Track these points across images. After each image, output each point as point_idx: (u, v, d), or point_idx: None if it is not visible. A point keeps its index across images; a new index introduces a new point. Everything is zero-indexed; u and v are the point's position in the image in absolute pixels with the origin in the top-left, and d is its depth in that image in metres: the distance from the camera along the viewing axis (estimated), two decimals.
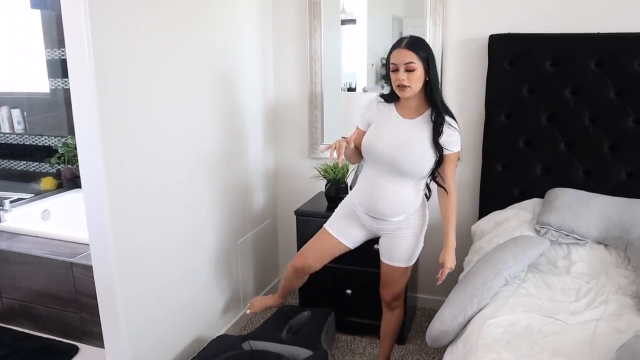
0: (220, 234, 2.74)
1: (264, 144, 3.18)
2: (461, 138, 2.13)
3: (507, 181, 2.77)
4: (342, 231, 2.30)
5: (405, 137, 2.07)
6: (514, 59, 2.68)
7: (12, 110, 4.05)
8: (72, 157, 3.88)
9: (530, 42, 2.64)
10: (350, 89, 3.23)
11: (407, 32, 2.84)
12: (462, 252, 2.71)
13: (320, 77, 3.12)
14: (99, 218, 1.99)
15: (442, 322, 1.96)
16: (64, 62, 3.79)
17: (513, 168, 2.76)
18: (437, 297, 3.08)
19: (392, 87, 2.08)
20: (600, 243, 2.39)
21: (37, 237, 3.07)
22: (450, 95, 2.86)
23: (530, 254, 2.17)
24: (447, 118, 2.08)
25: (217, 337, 2.47)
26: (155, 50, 2.13)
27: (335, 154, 2.01)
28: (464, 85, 2.85)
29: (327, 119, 3.18)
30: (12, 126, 4.09)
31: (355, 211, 2.28)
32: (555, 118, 2.66)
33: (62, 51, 3.75)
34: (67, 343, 2.82)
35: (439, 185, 2.18)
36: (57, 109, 3.95)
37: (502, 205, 2.72)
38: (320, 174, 2.85)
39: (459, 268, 2.54)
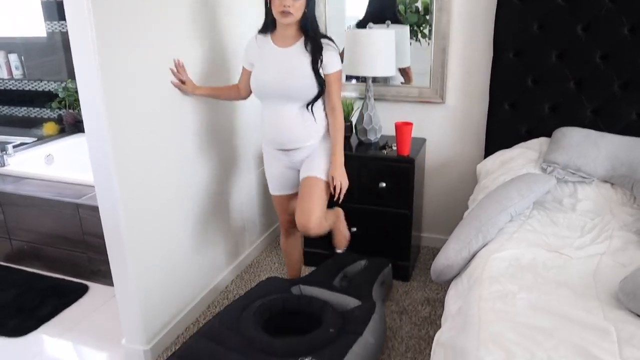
0: (224, 174, 2.73)
1: None
2: (339, 55, 2.20)
3: (514, 120, 2.74)
4: (280, 186, 2.42)
5: (287, 65, 2.15)
6: None
7: (9, 55, 3.98)
8: (72, 102, 3.84)
9: None
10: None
11: None
12: (468, 191, 2.72)
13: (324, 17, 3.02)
14: (102, 160, 1.99)
15: (446, 257, 1.97)
16: (60, 5, 3.69)
17: (520, 107, 2.72)
18: (441, 236, 3.11)
19: (266, 18, 2.18)
20: (606, 182, 2.38)
21: (41, 180, 3.09)
22: (457, 33, 2.79)
23: (536, 190, 2.16)
24: (323, 40, 2.15)
25: (267, 278, 2.44)
26: None
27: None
28: (472, 22, 2.77)
29: None
30: (10, 72, 4.03)
31: (273, 157, 2.35)
32: (565, 55, 2.59)
33: None
34: (76, 282, 2.88)
35: (322, 109, 2.25)
36: (55, 52, 3.87)
37: (508, 145, 2.69)
38: None
39: (462, 207, 2.55)
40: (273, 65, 2.16)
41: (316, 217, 2.21)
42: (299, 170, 2.33)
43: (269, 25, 2.19)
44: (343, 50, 2.66)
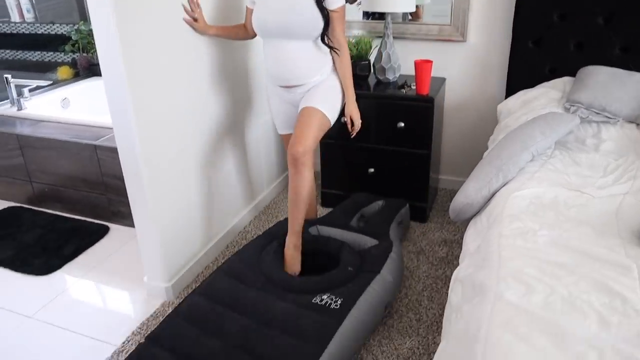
0: (240, 114, 2.71)
1: None
2: None
3: (537, 59, 2.65)
4: (284, 124, 2.40)
5: (290, 1, 2.05)
6: None
7: None
8: (86, 44, 3.80)
9: None
10: None
11: None
12: (488, 131, 2.67)
13: None
14: (120, 101, 1.96)
15: (466, 195, 1.96)
16: None
17: (545, 44, 2.62)
18: (459, 178, 3.08)
19: None
20: (631, 122, 2.31)
21: (59, 123, 3.09)
22: None
23: (559, 130, 2.11)
24: None
25: (285, 219, 2.38)
26: None
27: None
28: None
29: None
30: (21, 14, 3.96)
31: (276, 95, 2.31)
32: None
33: None
34: (97, 223, 2.93)
35: (328, 46, 2.14)
36: None
37: (531, 84, 2.62)
38: None
39: (481, 148, 2.51)
40: (274, 2, 2.08)
41: (307, 143, 2.10)
42: (298, 105, 2.29)
43: None
44: None
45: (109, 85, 1.96)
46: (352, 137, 2.29)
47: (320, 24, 2.07)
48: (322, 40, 2.12)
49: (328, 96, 2.20)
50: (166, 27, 2.09)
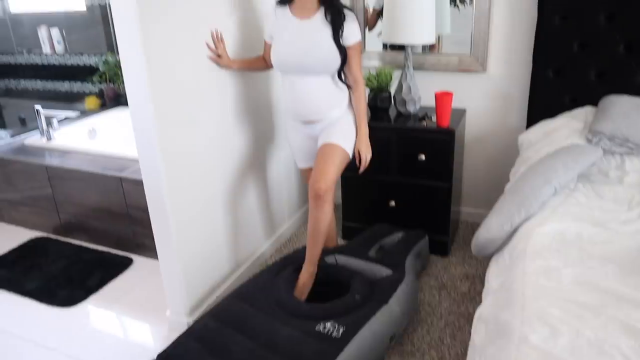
0: (262, 147, 2.74)
1: None
2: (359, 26, 2.16)
3: (558, 88, 2.64)
4: (304, 158, 2.43)
5: (307, 38, 2.10)
6: None
7: (51, 29, 4.05)
8: (113, 75, 3.90)
9: None
10: None
11: None
12: (509, 163, 2.65)
13: None
14: (146, 133, 2.01)
15: (488, 231, 1.94)
16: None
17: (565, 74, 2.61)
18: (481, 210, 3.06)
19: None
20: None
21: (86, 154, 3.17)
22: None
23: (582, 162, 2.10)
24: (344, 11, 2.11)
25: (303, 246, 2.40)
26: None
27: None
28: None
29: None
30: (52, 46, 4.11)
31: (295, 129, 2.34)
32: (615, 17, 2.45)
33: None
34: (121, 255, 2.97)
35: (343, 82, 2.19)
36: (95, 26, 3.92)
37: (552, 115, 2.60)
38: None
39: (503, 180, 2.50)
40: (292, 39, 2.12)
41: (329, 179, 2.12)
42: (316, 139, 2.31)
43: None
44: (381, 15, 2.59)
45: (135, 118, 2.01)
46: (359, 172, 2.29)
47: (337, 60, 2.11)
48: (339, 76, 2.16)
49: (347, 131, 2.23)
50: (192, 61, 2.15)
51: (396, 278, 2.18)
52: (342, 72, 2.16)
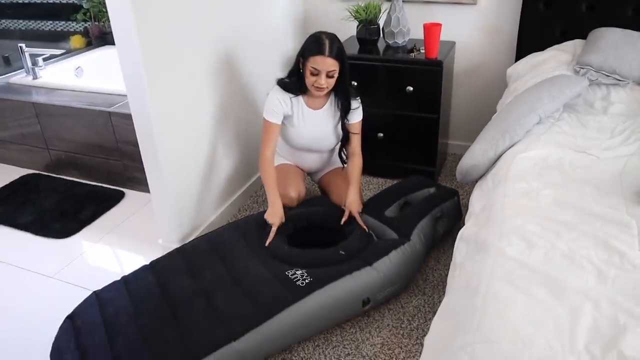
0: (255, 81, 2.73)
1: None
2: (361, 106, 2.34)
3: (548, 21, 2.63)
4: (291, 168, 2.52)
5: (321, 128, 2.31)
6: None
7: None
8: (97, 13, 3.82)
9: None
10: None
11: None
12: (497, 96, 2.67)
13: None
14: (133, 68, 1.99)
15: (472, 157, 1.99)
16: None
17: (555, 6, 2.60)
18: (468, 143, 3.07)
19: (297, 81, 2.22)
20: None
21: (73, 91, 3.14)
22: None
23: (568, 92, 2.12)
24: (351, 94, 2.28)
25: (313, 197, 2.54)
26: None
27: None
28: None
29: None
30: None
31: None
32: None
33: None
34: (113, 189, 3.01)
35: (342, 157, 2.45)
36: None
37: (541, 48, 2.61)
38: (352, 14, 2.75)
39: (491, 112, 2.52)
40: (308, 128, 2.31)
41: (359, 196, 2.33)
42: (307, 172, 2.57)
43: (301, 89, 2.24)
44: None
45: (122, 53, 1.99)
46: (341, 223, 2.24)
47: (340, 138, 2.37)
48: (340, 152, 2.44)
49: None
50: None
51: (393, 243, 2.07)
52: (342, 149, 2.43)
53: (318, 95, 2.22)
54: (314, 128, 2.31)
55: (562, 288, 1.21)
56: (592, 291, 1.19)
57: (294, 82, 2.23)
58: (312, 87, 2.17)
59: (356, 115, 2.32)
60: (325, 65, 2.09)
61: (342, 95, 2.26)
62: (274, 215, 2.17)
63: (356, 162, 2.36)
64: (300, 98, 2.27)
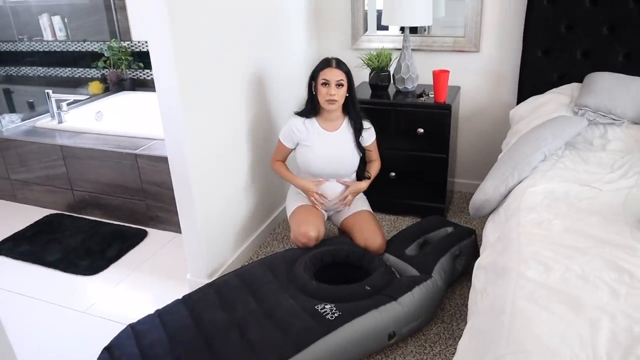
0: (284, 118, 2.88)
1: (307, 37, 3.23)
2: (374, 128, 2.57)
3: (546, 67, 2.84)
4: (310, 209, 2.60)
5: (336, 150, 2.48)
6: None
7: (52, 17, 4.14)
8: (116, 60, 4.03)
9: None
10: None
11: None
12: (501, 137, 2.85)
13: None
14: (172, 114, 2.14)
15: (485, 193, 2.14)
16: None
17: (553, 53, 2.81)
18: (474, 181, 3.26)
19: (310, 103, 2.48)
20: (636, 123, 2.49)
21: (97, 134, 3.30)
22: None
23: (569, 131, 2.30)
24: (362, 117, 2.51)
25: (335, 236, 2.68)
26: None
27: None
28: None
29: (370, 8, 3.20)
30: (54, 33, 4.20)
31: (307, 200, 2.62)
32: (599, 1, 2.66)
33: None
34: (136, 228, 3.13)
35: (365, 176, 2.62)
36: (96, 13, 4.03)
37: (541, 91, 2.80)
38: (364, 62, 2.95)
39: (495, 152, 2.69)
40: (323, 150, 2.47)
41: (383, 237, 2.49)
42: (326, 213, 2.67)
43: (315, 110, 2.47)
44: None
45: (162, 98, 2.14)
46: (344, 201, 2.58)
47: (358, 159, 2.54)
48: (360, 173, 2.59)
49: (364, 198, 2.73)
50: (215, 35, 2.29)
51: (416, 279, 2.18)
52: (361, 169, 2.59)
53: (330, 109, 2.41)
54: (331, 149, 2.47)
55: (580, 305, 1.34)
56: (608, 306, 1.33)
57: (308, 105, 2.50)
58: (325, 103, 2.39)
59: (370, 136, 2.55)
60: (334, 75, 2.35)
61: (353, 112, 2.48)
62: (309, 187, 2.51)
63: (375, 164, 2.64)
64: (315, 120, 2.49)
